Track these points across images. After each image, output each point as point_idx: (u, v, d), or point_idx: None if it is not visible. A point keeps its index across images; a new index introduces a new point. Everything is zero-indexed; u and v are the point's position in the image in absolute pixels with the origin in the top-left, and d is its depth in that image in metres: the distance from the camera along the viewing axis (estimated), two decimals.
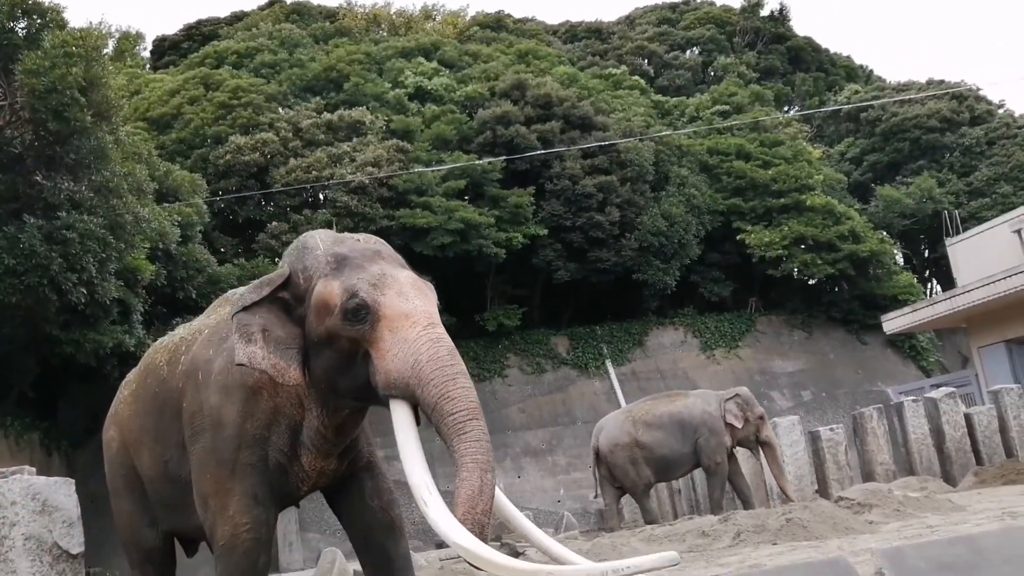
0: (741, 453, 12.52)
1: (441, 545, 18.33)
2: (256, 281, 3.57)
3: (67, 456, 19.98)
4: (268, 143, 25.14)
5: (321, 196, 26.10)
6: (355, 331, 3.19)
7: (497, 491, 3.12)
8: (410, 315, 3.16)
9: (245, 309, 3.41)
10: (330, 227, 22.99)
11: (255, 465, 3.51)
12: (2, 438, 16.85)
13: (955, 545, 3.08)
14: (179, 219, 18.89)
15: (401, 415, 3.11)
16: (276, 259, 23.23)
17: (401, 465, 3.09)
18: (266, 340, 3.36)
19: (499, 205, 25.49)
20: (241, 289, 4.16)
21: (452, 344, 3.15)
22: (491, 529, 2.79)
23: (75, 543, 4.37)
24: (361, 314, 3.18)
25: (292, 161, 24.78)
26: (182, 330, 4.22)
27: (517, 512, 3.24)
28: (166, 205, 19.04)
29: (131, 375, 4.50)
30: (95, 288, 15.00)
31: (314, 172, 24.41)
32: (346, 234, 3.59)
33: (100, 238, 14.85)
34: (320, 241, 3.47)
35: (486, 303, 26.54)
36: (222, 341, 3.66)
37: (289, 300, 3.44)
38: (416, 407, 3.13)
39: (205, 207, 21.22)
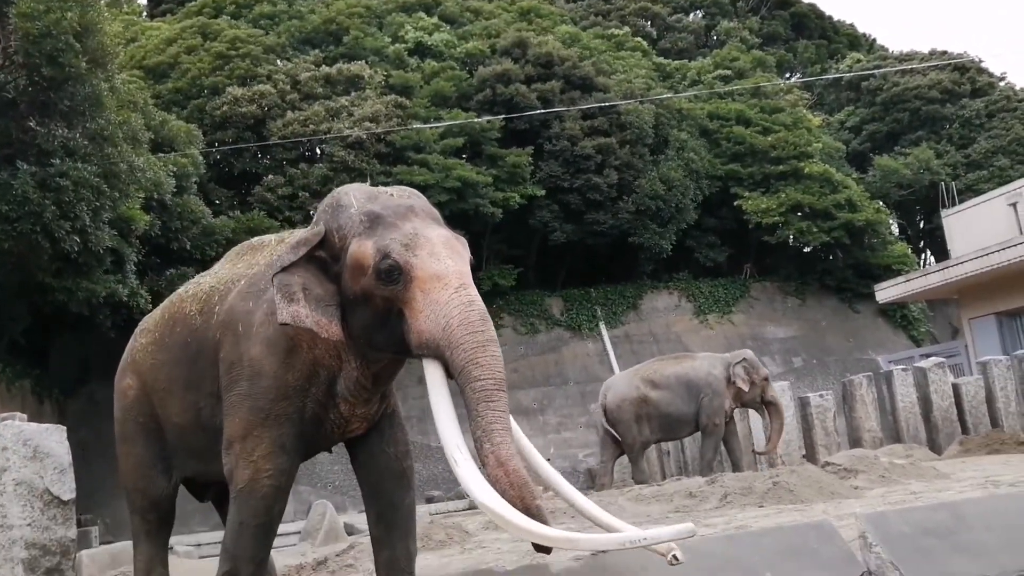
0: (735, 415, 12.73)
1: (431, 499, 18.54)
2: (292, 240, 3.59)
3: (58, 404, 20.05)
4: (265, 95, 24.95)
5: (318, 150, 25.98)
6: (388, 291, 3.23)
7: (531, 448, 3.15)
8: (442, 276, 3.18)
9: (284, 269, 3.44)
10: (327, 182, 23.07)
11: (290, 416, 3.57)
12: None
13: (938, 511, 3.11)
14: (174, 169, 18.79)
15: (434, 374, 3.13)
16: (273, 212, 23.24)
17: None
18: (307, 298, 3.40)
19: (497, 164, 25.40)
20: (267, 236, 4.24)
21: (484, 308, 3.17)
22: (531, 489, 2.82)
23: (66, 489, 4.40)
24: (394, 275, 3.21)
25: (289, 114, 24.62)
26: (209, 279, 4.21)
27: (549, 468, 3.28)
28: (161, 155, 18.91)
29: (150, 323, 4.47)
30: (88, 237, 14.94)
31: (311, 126, 24.25)
32: (380, 188, 3.59)
33: (94, 186, 14.76)
34: (354, 198, 3.48)
35: (481, 262, 26.52)
36: (261, 293, 3.70)
37: (326, 258, 3.48)
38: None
39: (201, 158, 21.08)
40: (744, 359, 12.12)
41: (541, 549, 2.80)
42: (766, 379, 12.08)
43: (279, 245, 3.88)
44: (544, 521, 2.70)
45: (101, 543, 12.65)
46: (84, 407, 19.75)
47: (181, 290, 4.37)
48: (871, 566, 2.81)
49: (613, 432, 12.38)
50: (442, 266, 3.20)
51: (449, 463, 2.90)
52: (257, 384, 3.60)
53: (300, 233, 3.66)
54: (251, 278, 3.86)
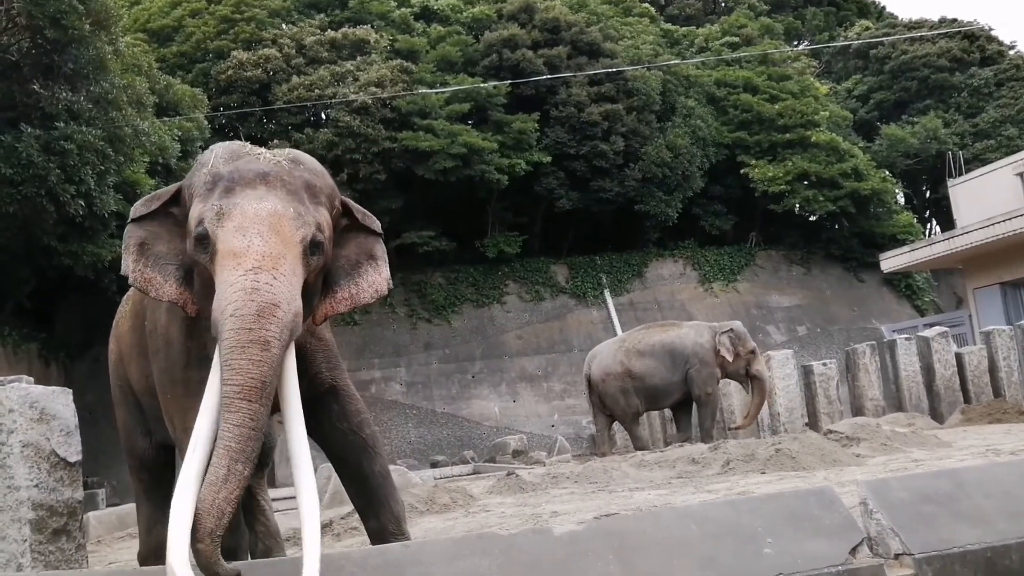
0: (734, 385, 12.68)
1: (436, 464, 18.67)
2: (152, 193, 3.45)
3: (65, 367, 20.14)
4: (271, 59, 24.83)
5: (323, 115, 25.87)
6: (203, 260, 3.01)
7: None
8: (238, 254, 2.85)
9: (133, 221, 3.32)
10: (333, 147, 23.01)
11: (204, 382, 3.29)
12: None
13: (938, 479, 3.12)
14: (179, 134, 18.71)
15: (216, 361, 2.85)
16: None
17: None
18: (141, 253, 3.27)
19: (503, 130, 25.28)
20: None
21: (272, 298, 2.76)
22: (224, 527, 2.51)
23: (73, 451, 4.41)
24: (204, 244, 2.97)
25: (295, 79, 24.50)
26: None
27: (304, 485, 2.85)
28: (166, 119, 18.85)
29: (130, 291, 4.51)
30: (93, 200, 14.94)
31: (316, 90, 24.14)
32: (255, 149, 3.28)
33: (99, 150, 14.74)
34: (214, 156, 3.23)
35: (487, 229, 26.50)
36: None
37: (178, 216, 3.29)
38: None
39: (206, 123, 20.99)
40: (731, 329, 12.00)
41: None
42: (752, 352, 11.88)
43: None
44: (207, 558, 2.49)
45: (108, 505, 12.77)
46: (90, 370, 19.84)
47: None
48: (871, 532, 2.83)
49: (600, 403, 12.37)
50: (243, 243, 2.86)
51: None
52: (170, 354, 3.52)
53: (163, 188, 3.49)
54: None
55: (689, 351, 11.88)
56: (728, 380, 12.45)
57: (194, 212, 3.07)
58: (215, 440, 2.64)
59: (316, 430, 3.73)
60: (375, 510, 3.69)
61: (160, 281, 3.24)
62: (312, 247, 3.00)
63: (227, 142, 3.39)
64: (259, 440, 2.68)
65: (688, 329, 12.35)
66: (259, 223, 2.91)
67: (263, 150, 3.27)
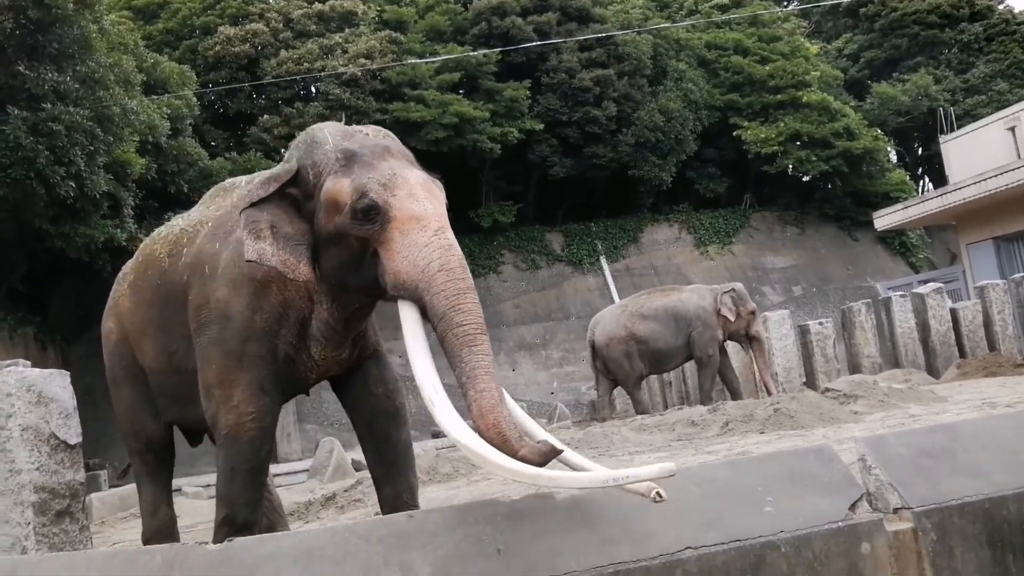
0: (732, 347, 12.72)
1: (437, 435, 18.72)
2: (263, 176, 3.48)
3: (62, 350, 20.14)
4: (258, 34, 24.64)
5: (313, 89, 25.74)
6: (364, 231, 3.13)
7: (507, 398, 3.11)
8: (421, 218, 3.07)
9: (253, 205, 3.35)
10: (324, 119, 22.78)
11: (264, 357, 3.52)
12: None
13: (935, 433, 3.14)
14: (168, 112, 18.61)
15: (409, 315, 3.03)
16: (270, 152, 23.08)
17: (402, 361, 3.05)
18: (275, 236, 3.32)
19: (494, 99, 25.18)
20: (239, 178, 4.12)
21: (462, 253, 3.07)
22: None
23: (72, 433, 4.42)
24: (371, 214, 3.10)
25: (283, 53, 24.33)
26: (180, 221, 4.16)
27: (524, 416, 3.20)
28: (154, 97, 18.74)
29: (128, 267, 4.46)
30: (84, 181, 14.86)
31: (305, 64, 23.98)
32: (355, 127, 3.45)
33: (87, 130, 14.65)
34: (329, 135, 3.36)
35: (481, 199, 26.46)
36: (228, 234, 3.61)
37: (297, 196, 3.37)
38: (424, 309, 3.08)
39: (195, 100, 20.88)
40: (732, 289, 12.12)
41: None
42: (752, 313, 11.98)
43: (248, 186, 3.75)
44: (534, 460, 2.66)
45: (110, 487, 12.83)
46: (87, 352, 19.81)
47: (155, 232, 4.35)
48: (870, 487, 2.85)
49: (604, 368, 12.45)
50: (421, 207, 3.10)
51: (426, 404, 2.86)
52: (226, 327, 3.55)
53: (273, 169, 3.56)
54: (218, 219, 3.80)
55: (692, 314, 11.96)
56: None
57: (338, 186, 3.20)
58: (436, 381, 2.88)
59: (348, 393, 3.83)
60: (392, 477, 3.73)
61: (294, 262, 3.31)
62: None
63: (325, 123, 3.52)
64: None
65: (690, 292, 12.43)
66: (422, 189, 3.17)
67: (361, 128, 3.45)
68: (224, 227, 3.68)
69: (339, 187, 3.19)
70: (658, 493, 2.44)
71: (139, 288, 4.19)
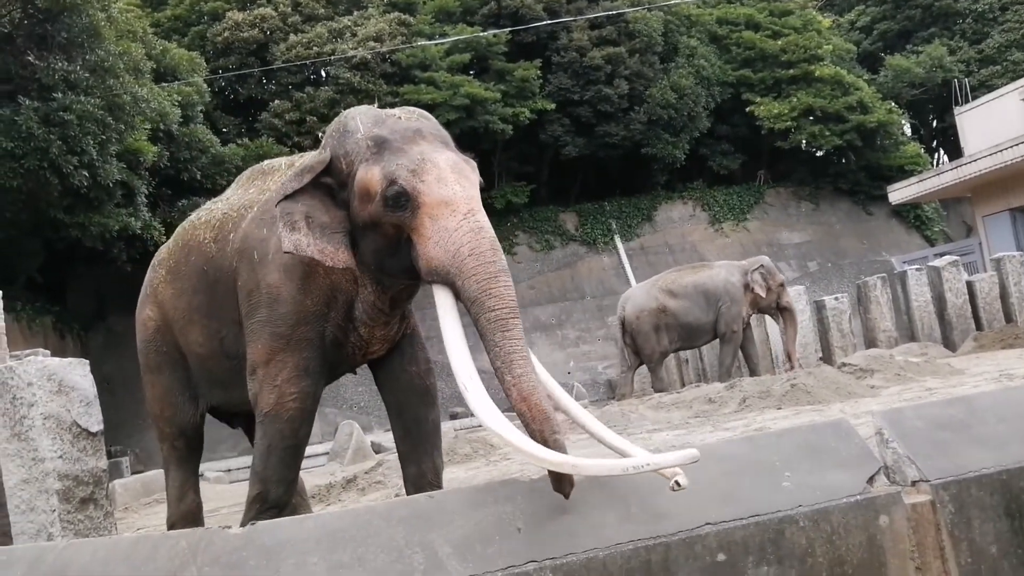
0: (756, 319, 12.86)
1: (455, 416, 18.80)
2: (298, 166, 3.52)
3: (80, 339, 20.28)
4: (267, 19, 24.59)
5: (323, 73, 25.67)
6: (396, 217, 3.15)
7: (546, 375, 3.09)
8: (450, 202, 3.07)
9: (288, 197, 3.39)
10: (334, 105, 22.86)
11: (311, 340, 3.59)
12: (14, 323, 17.04)
13: (952, 406, 3.13)
14: (179, 99, 18.63)
15: (444, 300, 3.04)
16: (282, 138, 23.11)
17: (441, 345, 3.06)
18: (310, 227, 3.36)
19: (505, 79, 25.08)
20: (278, 160, 4.19)
21: (493, 234, 3.05)
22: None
23: (94, 421, 4.46)
24: (401, 201, 3.12)
25: (292, 37, 24.28)
26: (221, 205, 4.17)
27: (562, 394, 3.22)
28: (165, 85, 18.76)
29: (165, 253, 4.47)
30: (96, 170, 14.93)
31: (315, 48, 23.94)
32: (388, 111, 3.47)
33: (99, 119, 14.70)
34: (360, 123, 3.39)
35: (493, 181, 26.41)
36: (275, 220, 3.59)
37: (332, 185, 3.41)
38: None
39: (205, 86, 20.90)
40: (761, 265, 12.22)
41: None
42: (782, 285, 12.17)
43: (289, 169, 3.82)
44: (561, 452, 2.68)
45: (132, 473, 12.95)
46: (105, 341, 20.00)
47: (193, 217, 4.36)
48: (888, 461, 2.85)
49: (632, 343, 12.53)
50: (450, 191, 3.09)
51: (460, 390, 2.87)
52: (276, 310, 3.61)
53: (306, 159, 3.60)
54: (263, 204, 3.83)
55: (720, 290, 12.09)
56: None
57: (368, 175, 3.22)
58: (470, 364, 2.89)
59: (382, 370, 3.89)
60: (418, 457, 3.77)
61: (332, 251, 3.36)
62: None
63: (357, 108, 3.54)
64: None
65: (719, 269, 12.54)
66: (452, 172, 3.16)
67: (394, 111, 3.46)
68: (271, 212, 3.68)
69: (370, 175, 3.22)
70: (677, 482, 2.45)
71: (182, 274, 4.21)
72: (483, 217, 3.09)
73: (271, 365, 3.60)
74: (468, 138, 24.49)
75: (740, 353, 12.41)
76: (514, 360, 2.82)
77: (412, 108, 3.54)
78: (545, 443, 2.63)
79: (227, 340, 3.96)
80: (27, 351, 5.56)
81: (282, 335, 3.59)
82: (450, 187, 3.10)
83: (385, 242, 3.28)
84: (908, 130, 34.31)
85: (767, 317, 13.12)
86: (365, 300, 3.59)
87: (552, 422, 2.68)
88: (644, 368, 12.91)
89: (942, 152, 35.73)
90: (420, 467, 3.76)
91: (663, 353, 12.53)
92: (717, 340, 12.41)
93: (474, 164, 3.31)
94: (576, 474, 2.59)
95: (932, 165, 30.64)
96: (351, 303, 3.62)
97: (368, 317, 3.63)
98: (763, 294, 11.91)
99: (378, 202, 3.19)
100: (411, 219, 3.12)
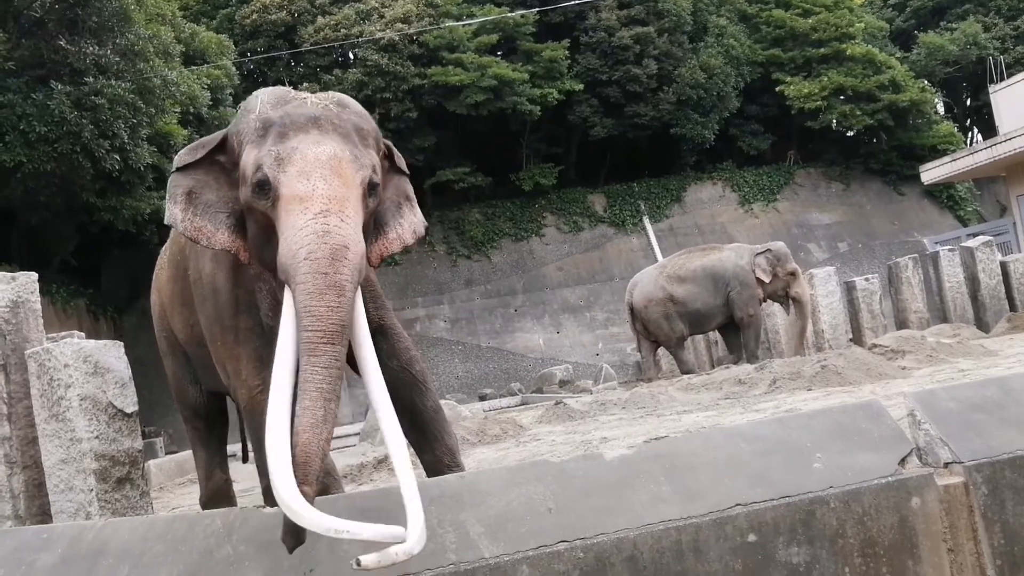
0: (776, 306, 12.63)
1: (484, 397, 18.87)
2: (196, 142, 3.40)
3: (114, 321, 20.53)
4: (294, 1, 24.64)
5: (351, 55, 25.70)
6: (262, 206, 2.95)
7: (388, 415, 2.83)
8: (304, 198, 2.79)
9: (179, 170, 3.26)
10: (363, 87, 22.88)
11: (253, 329, 3.43)
12: (48, 305, 17.28)
13: (985, 387, 3.11)
14: (208, 82, 18.72)
15: (287, 306, 2.78)
16: None
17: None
18: (193, 202, 3.22)
19: (533, 60, 25.00)
20: None
21: (343, 240, 2.72)
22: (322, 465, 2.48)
23: (129, 402, 4.53)
24: (264, 190, 2.91)
25: (320, 19, 24.32)
26: None
27: (392, 436, 2.81)
28: (194, 68, 18.86)
29: (169, 239, 4.56)
30: (128, 154, 15.07)
31: (343, 30, 23.96)
32: (301, 94, 3.23)
33: (130, 103, 14.82)
34: (260, 102, 3.18)
35: (522, 162, 26.37)
36: None
37: (225, 164, 3.25)
38: None
39: (234, 69, 20.98)
40: (768, 250, 11.90)
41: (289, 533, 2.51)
42: (792, 273, 11.75)
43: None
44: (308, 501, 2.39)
45: (166, 453, 13.10)
46: (139, 322, 20.19)
47: None
48: (920, 443, 2.84)
49: (644, 330, 12.40)
50: (308, 187, 2.81)
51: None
52: (217, 300, 3.53)
53: (209, 136, 3.43)
54: None
55: (730, 274, 11.83)
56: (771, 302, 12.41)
57: (248, 158, 3.03)
58: (294, 384, 2.63)
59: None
60: (429, 443, 3.76)
61: (211, 230, 3.21)
62: (370, 189, 2.99)
63: (271, 87, 3.34)
64: (341, 379, 2.69)
65: (729, 252, 12.27)
66: (321, 167, 2.88)
67: (308, 94, 3.22)
68: None
69: (248, 158, 3.03)
70: (357, 560, 2.21)
71: (170, 261, 4.28)
72: (338, 221, 2.76)
73: (231, 360, 3.52)
74: (496, 119, 24.50)
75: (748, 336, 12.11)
76: (307, 391, 2.56)
77: (333, 93, 3.28)
78: (300, 485, 2.40)
79: (196, 328, 3.91)
80: (63, 333, 5.65)
81: (229, 327, 3.49)
82: (310, 182, 2.83)
83: (259, 231, 3.09)
84: (941, 109, 33.84)
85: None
86: (271, 292, 3.37)
87: (307, 468, 2.45)
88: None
89: (976, 131, 35.23)
90: (434, 454, 3.73)
91: (680, 338, 12.32)
92: (738, 324, 12.16)
93: (368, 164, 3.01)
94: (306, 527, 2.35)
95: (965, 144, 30.23)
96: (275, 293, 3.35)
97: (271, 309, 3.37)
98: (765, 279, 11.57)
99: (248, 187, 3.00)
100: (272, 211, 2.91)
